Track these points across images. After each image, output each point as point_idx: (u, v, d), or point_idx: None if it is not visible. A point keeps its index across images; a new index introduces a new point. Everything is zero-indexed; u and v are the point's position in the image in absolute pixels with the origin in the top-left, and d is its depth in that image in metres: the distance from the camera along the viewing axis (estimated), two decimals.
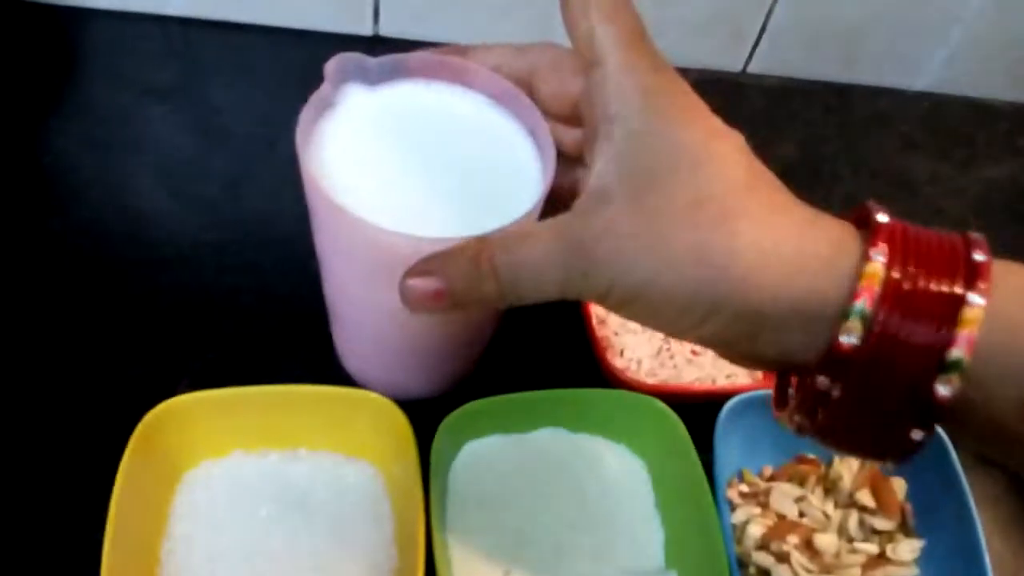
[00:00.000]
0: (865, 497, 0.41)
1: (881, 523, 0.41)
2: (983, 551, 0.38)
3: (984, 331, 0.22)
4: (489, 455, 0.40)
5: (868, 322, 0.23)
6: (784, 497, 0.41)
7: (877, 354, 0.23)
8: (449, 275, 0.27)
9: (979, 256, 0.23)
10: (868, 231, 0.24)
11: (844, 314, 0.23)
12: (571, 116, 0.30)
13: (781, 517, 0.40)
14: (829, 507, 0.41)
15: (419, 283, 0.28)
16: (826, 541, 0.39)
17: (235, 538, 0.36)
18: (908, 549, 0.40)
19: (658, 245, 0.24)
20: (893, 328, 0.23)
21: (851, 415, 0.24)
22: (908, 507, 0.42)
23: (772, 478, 0.42)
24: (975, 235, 0.24)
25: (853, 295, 0.23)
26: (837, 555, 0.39)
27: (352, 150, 0.34)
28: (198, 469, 0.38)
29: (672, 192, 0.25)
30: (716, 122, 0.26)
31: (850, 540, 0.40)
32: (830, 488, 0.42)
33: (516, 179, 0.34)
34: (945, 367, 0.22)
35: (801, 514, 0.41)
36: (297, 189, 0.33)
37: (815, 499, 0.41)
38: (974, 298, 0.22)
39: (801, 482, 0.42)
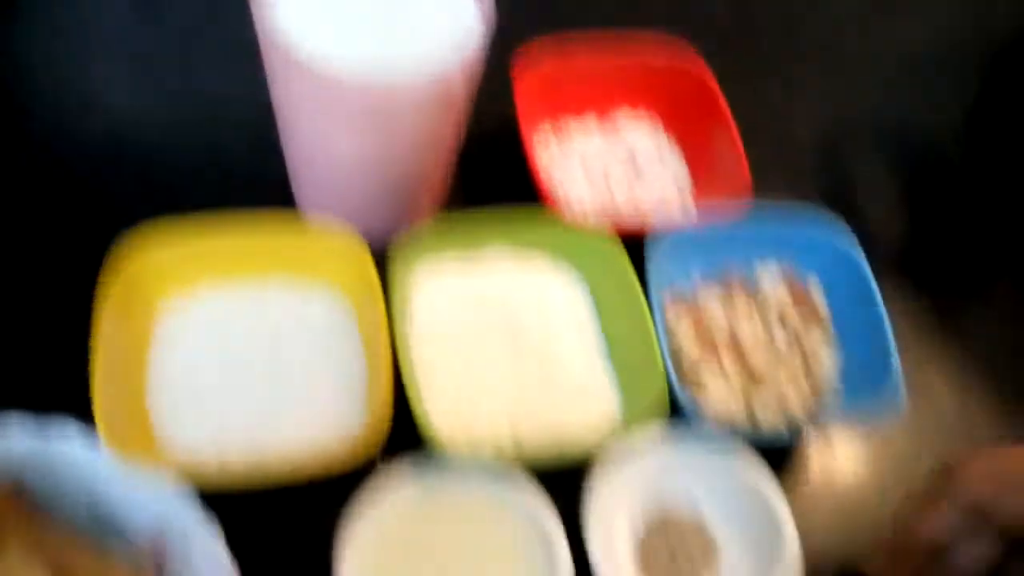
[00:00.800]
0: (789, 311, 0.45)
1: (804, 330, 0.45)
2: (894, 357, 0.42)
3: None
4: (444, 278, 0.43)
5: None
6: (715, 312, 0.45)
7: None
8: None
9: None
10: None
11: None
12: None
13: (713, 330, 0.44)
14: (757, 320, 0.45)
15: None
16: (753, 348, 0.44)
17: (214, 362, 0.39)
18: (827, 353, 0.44)
19: None
20: None
21: None
22: (829, 320, 0.46)
23: (703, 296, 0.46)
24: None
25: None
26: (765, 361, 0.44)
27: (304, 5, 0.36)
28: (171, 300, 0.41)
29: None
30: None
31: (775, 346, 0.44)
32: (757, 303, 0.46)
33: (457, 25, 0.37)
34: None
35: (731, 328, 0.45)
36: (248, 58, 0.34)
37: (744, 311, 0.45)
38: None
39: (731, 298, 0.46)
